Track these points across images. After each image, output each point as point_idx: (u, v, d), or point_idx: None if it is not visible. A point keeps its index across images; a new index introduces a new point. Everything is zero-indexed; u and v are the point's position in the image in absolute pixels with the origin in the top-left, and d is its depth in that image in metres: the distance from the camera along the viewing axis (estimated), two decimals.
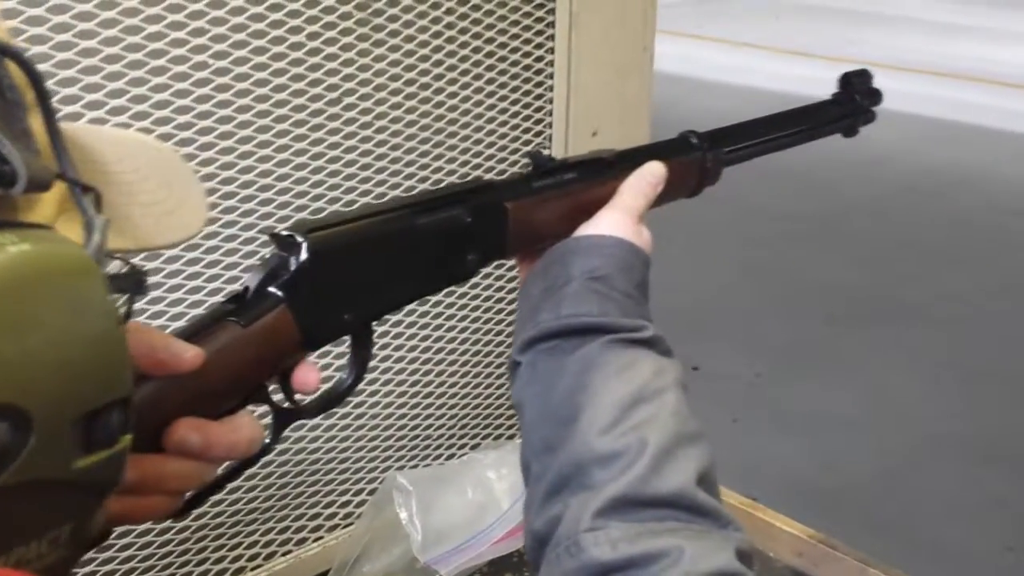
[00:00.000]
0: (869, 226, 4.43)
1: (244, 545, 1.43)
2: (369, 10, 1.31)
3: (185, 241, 0.58)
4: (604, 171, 0.82)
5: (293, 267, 0.65)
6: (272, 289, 0.64)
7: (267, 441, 0.67)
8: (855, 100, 1.05)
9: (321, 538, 1.52)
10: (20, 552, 0.40)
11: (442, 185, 1.45)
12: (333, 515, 1.53)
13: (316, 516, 1.51)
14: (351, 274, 0.68)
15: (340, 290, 0.68)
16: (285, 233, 0.66)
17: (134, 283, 0.47)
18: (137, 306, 0.49)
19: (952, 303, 3.69)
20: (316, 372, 0.68)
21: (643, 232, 0.79)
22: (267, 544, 1.46)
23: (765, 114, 1.00)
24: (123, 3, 1.10)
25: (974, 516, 2.53)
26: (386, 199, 1.39)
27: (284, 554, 1.48)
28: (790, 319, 3.58)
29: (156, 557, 1.34)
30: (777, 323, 3.54)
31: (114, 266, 0.46)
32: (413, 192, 1.43)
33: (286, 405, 0.68)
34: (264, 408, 0.66)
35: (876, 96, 1.06)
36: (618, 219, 0.78)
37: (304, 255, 0.65)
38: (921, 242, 4.25)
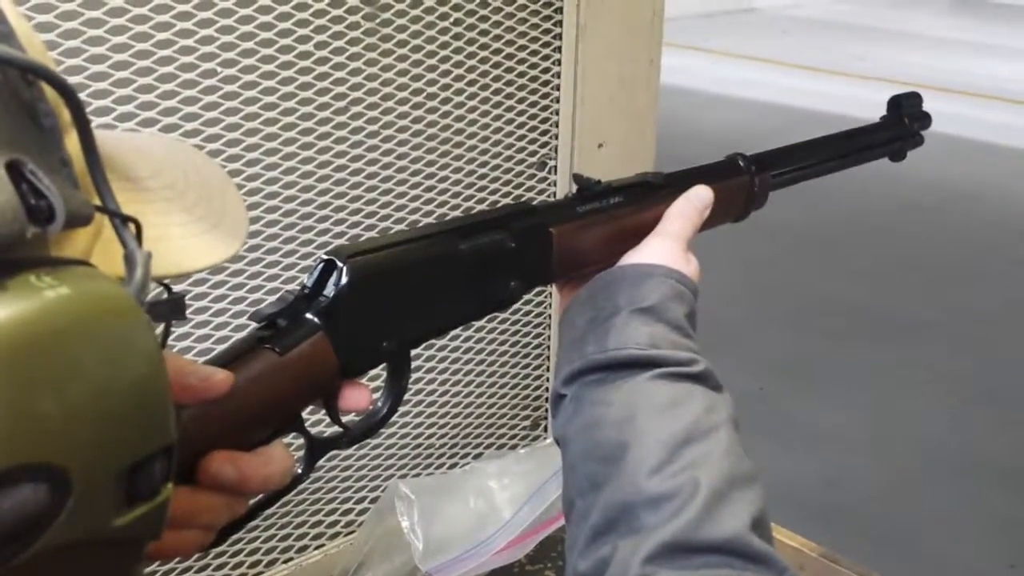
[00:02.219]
0: (873, 242, 4.43)
1: (245, 552, 1.43)
2: (377, 20, 1.32)
3: (226, 260, 0.54)
4: (650, 195, 0.80)
5: (332, 293, 0.63)
6: (309, 316, 0.62)
7: (299, 472, 0.64)
8: (904, 123, 1.02)
9: (322, 546, 1.52)
10: None
11: (452, 195, 1.46)
12: (335, 523, 1.53)
13: (318, 524, 1.51)
14: (391, 300, 0.66)
15: (379, 317, 0.65)
16: (324, 257, 0.64)
17: (172, 309, 0.45)
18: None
19: (956, 320, 3.69)
20: (366, 392, 0.66)
21: (691, 260, 0.76)
22: (268, 551, 1.46)
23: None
24: (133, 10, 1.11)
25: (976, 532, 2.53)
26: (396, 209, 1.40)
27: (285, 561, 1.48)
28: (793, 334, 3.58)
29: (156, 563, 1.34)
30: (780, 338, 3.54)
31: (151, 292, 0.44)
32: (422, 202, 1.43)
33: (325, 433, 0.67)
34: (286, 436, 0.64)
35: (926, 119, 1.03)
36: (666, 247, 0.75)
37: (344, 280, 0.63)
38: (925, 258, 4.25)
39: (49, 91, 0.41)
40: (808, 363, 3.38)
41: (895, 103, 1.02)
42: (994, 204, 4.89)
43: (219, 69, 1.20)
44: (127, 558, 0.40)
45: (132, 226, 0.42)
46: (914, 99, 1.03)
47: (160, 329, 0.44)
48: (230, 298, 1.28)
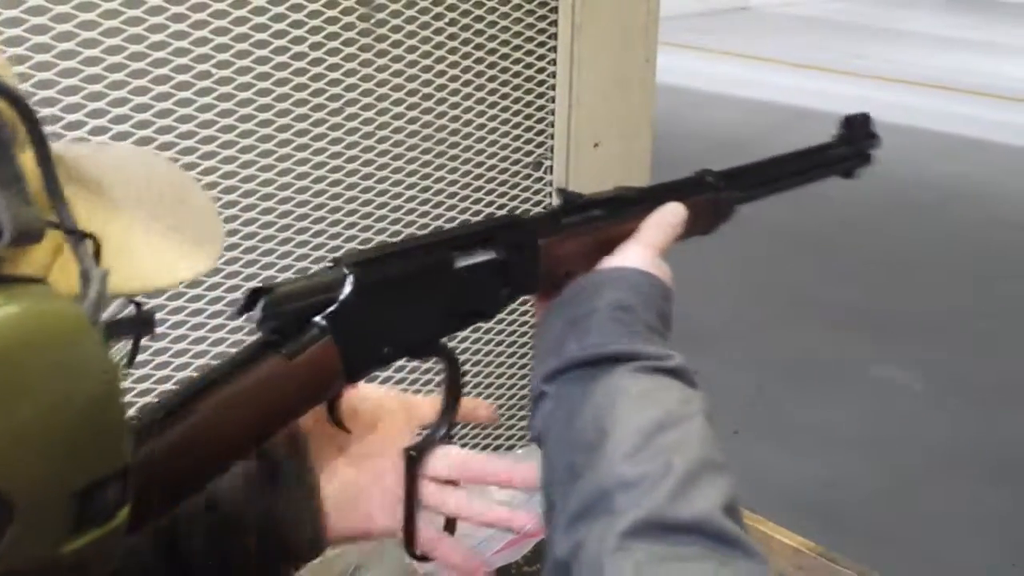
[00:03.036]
0: (870, 241, 4.43)
1: None
2: (372, 20, 1.31)
3: (197, 276, 0.52)
4: (627, 208, 0.84)
5: (340, 298, 0.65)
6: (317, 319, 0.64)
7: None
8: (855, 143, 1.07)
9: None
10: None
11: (449, 195, 1.46)
12: None
13: None
14: (391, 307, 0.69)
15: (380, 323, 0.68)
16: (331, 264, 0.66)
17: (141, 325, 0.44)
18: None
19: (954, 318, 3.69)
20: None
21: (663, 266, 0.79)
22: None
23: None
24: (127, 12, 1.11)
25: (977, 530, 2.53)
26: (392, 210, 1.40)
27: None
28: (791, 332, 3.58)
29: None
30: (779, 337, 3.54)
31: (118, 305, 0.43)
32: (417, 203, 1.43)
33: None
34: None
35: (875, 139, 1.08)
36: (640, 252, 0.79)
37: (351, 286, 0.65)
38: (922, 256, 4.26)
39: (3, 104, 0.40)
40: (806, 363, 3.39)
41: (848, 123, 1.08)
42: (992, 201, 4.90)
43: (213, 71, 1.19)
44: None
45: (89, 242, 0.41)
46: (864, 120, 1.08)
47: (126, 346, 0.43)
48: (226, 300, 1.28)
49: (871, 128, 1.08)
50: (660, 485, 0.59)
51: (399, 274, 0.69)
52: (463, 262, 0.73)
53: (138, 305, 0.44)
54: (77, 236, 0.41)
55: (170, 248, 0.50)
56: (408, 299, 0.70)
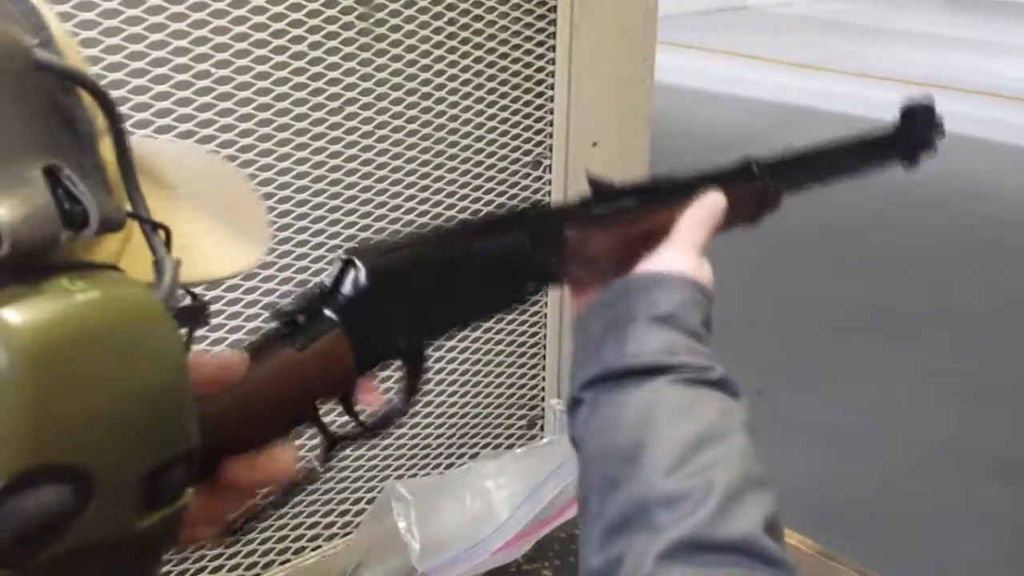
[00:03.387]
0: (869, 239, 4.43)
1: (242, 554, 1.43)
2: (371, 19, 1.31)
3: (251, 268, 0.56)
4: (663, 199, 0.80)
5: (351, 291, 0.64)
6: (328, 312, 0.64)
7: (316, 465, 0.67)
8: (917, 132, 1.01)
9: (319, 547, 1.51)
10: None
11: (449, 193, 1.46)
12: (331, 524, 1.52)
13: (314, 525, 1.50)
14: (407, 300, 0.67)
15: (395, 315, 0.67)
16: (344, 257, 0.66)
17: (196, 315, 0.45)
18: None
19: (953, 316, 3.69)
20: (376, 389, 0.68)
21: (704, 266, 0.77)
22: (265, 553, 1.46)
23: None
24: (126, 12, 1.11)
25: (975, 527, 2.53)
26: (393, 208, 1.40)
27: (282, 563, 1.48)
28: (791, 333, 3.58)
29: None
30: (779, 337, 3.54)
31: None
32: (418, 202, 1.43)
33: (343, 428, 0.68)
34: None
35: (940, 128, 1.02)
36: (680, 254, 0.76)
37: (364, 280, 0.64)
38: (922, 255, 4.26)
39: (86, 97, 0.41)
40: (808, 361, 3.38)
41: (909, 112, 1.01)
42: (992, 201, 4.90)
43: (212, 70, 1.19)
44: (146, 561, 0.41)
45: (162, 233, 0.43)
46: (928, 110, 1.02)
47: (184, 335, 0.44)
48: (225, 299, 1.28)
49: (935, 118, 1.01)
50: (702, 504, 0.58)
51: (414, 265, 0.68)
52: (482, 251, 0.71)
53: (193, 296, 0.46)
54: (152, 226, 0.43)
55: (228, 241, 0.53)
56: (425, 290, 0.68)
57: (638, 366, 0.67)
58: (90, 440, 0.36)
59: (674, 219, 0.78)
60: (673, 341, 0.69)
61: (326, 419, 0.66)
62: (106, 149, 0.42)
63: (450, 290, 0.70)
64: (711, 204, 0.80)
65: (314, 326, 0.63)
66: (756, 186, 0.87)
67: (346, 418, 0.68)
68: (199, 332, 0.46)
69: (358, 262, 0.65)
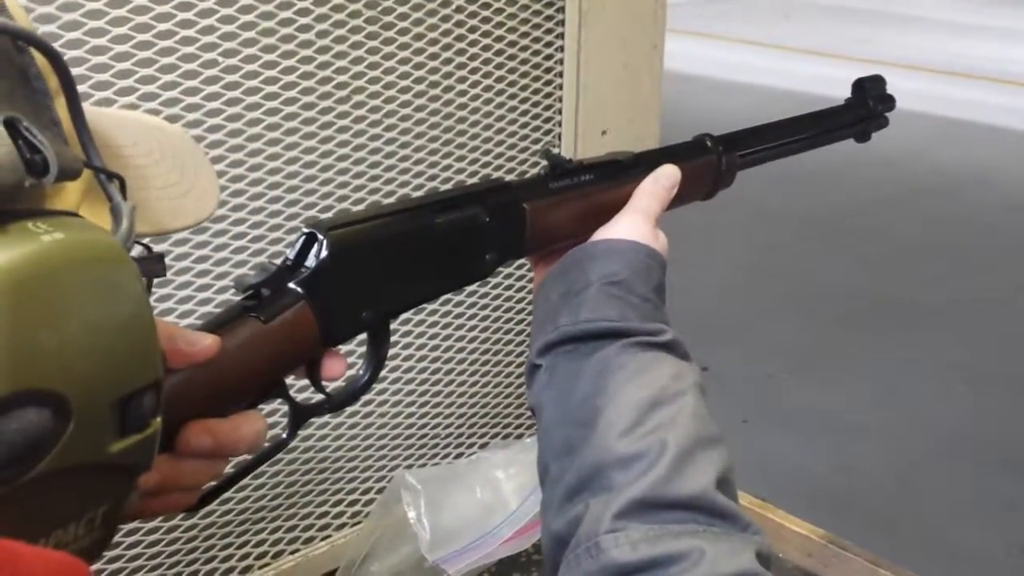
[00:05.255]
0: (881, 227, 4.41)
1: (252, 543, 1.43)
2: (379, 9, 1.31)
3: (199, 223, 0.59)
4: (620, 173, 0.83)
5: (314, 264, 0.65)
6: (292, 285, 0.64)
7: (284, 436, 0.68)
8: (868, 105, 1.04)
9: (329, 536, 1.52)
10: (59, 535, 0.41)
11: (457, 184, 1.45)
12: (341, 513, 1.52)
13: (324, 515, 1.51)
14: (370, 271, 0.69)
15: (359, 287, 0.68)
16: (306, 230, 0.66)
17: (153, 267, 0.48)
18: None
19: (965, 304, 3.67)
20: (343, 361, 0.69)
21: (659, 236, 0.79)
22: (275, 543, 1.46)
23: (778, 117, 1.00)
24: (132, 1, 1.11)
25: (985, 517, 2.52)
26: (400, 198, 1.40)
27: (292, 552, 1.48)
28: (801, 320, 3.56)
29: (164, 555, 1.34)
30: (788, 324, 3.53)
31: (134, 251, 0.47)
32: (427, 191, 1.42)
33: (311, 400, 0.68)
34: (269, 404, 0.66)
35: (890, 102, 1.05)
36: (635, 223, 0.79)
37: (325, 252, 0.65)
38: (933, 243, 4.24)
39: (39, 58, 0.44)
40: (815, 350, 3.37)
41: (859, 85, 1.05)
42: (1001, 188, 4.87)
43: (220, 59, 1.19)
44: (121, 485, 0.44)
45: (116, 182, 0.46)
46: (877, 82, 1.05)
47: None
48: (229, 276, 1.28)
49: (884, 89, 1.05)
50: (656, 464, 0.60)
51: (376, 237, 0.69)
52: (442, 225, 0.72)
53: (148, 248, 0.49)
54: (107, 175, 0.46)
55: (175, 197, 0.57)
56: (388, 262, 0.70)
57: (592, 331, 0.69)
58: (66, 368, 0.39)
59: (630, 193, 0.82)
60: (626, 306, 0.71)
61: (295, 393, 0.67)
62: (60, 108, 0.45)
63: (411, 263, 0.71)
64: (666, 176, 0.83)
65: (279, 299, 0.64)
66: (710, 160, 0.90)
67: (313, 391, 0.69)
68: (170, 288, 0.48)
69: (320, 235, 0.66)
